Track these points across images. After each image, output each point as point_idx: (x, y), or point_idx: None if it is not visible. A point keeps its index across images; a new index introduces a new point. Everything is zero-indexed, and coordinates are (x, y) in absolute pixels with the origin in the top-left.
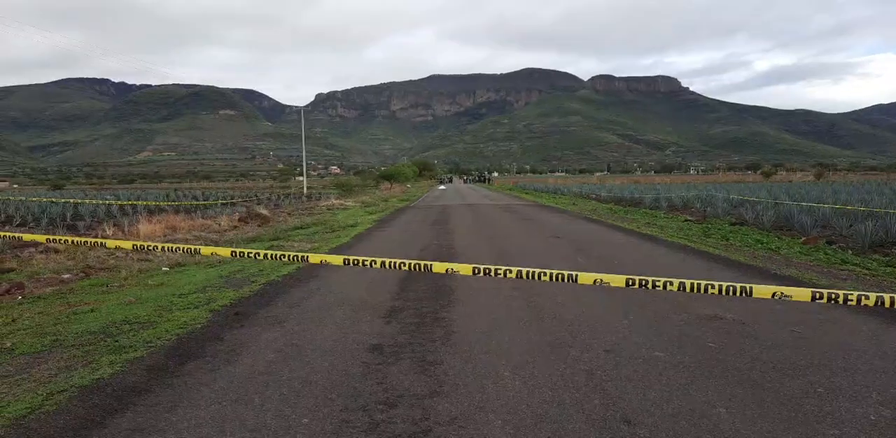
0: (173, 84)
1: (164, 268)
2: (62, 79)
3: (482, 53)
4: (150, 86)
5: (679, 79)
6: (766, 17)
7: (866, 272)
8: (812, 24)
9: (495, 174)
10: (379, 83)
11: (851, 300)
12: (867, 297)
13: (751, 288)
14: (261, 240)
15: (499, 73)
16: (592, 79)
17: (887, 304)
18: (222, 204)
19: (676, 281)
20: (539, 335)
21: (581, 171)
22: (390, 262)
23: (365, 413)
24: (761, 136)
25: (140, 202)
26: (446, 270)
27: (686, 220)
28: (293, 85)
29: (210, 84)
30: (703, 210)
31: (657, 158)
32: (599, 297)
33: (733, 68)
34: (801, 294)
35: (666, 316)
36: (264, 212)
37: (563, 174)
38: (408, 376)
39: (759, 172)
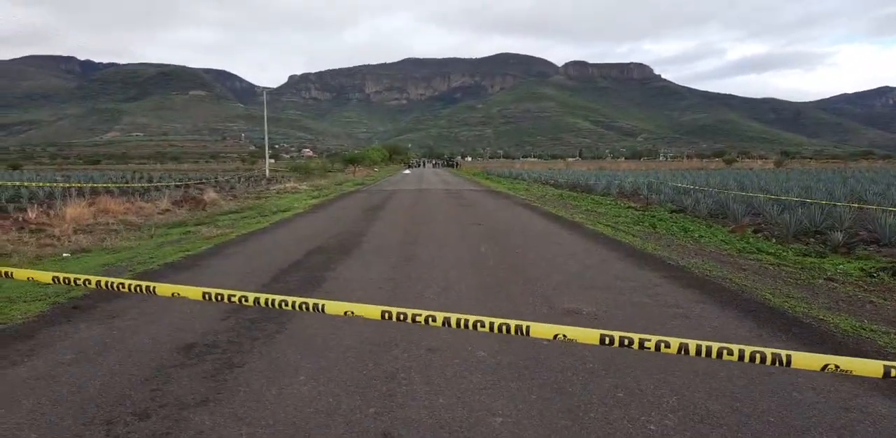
0: (141, 63)
1: (64, 255)
2: (26, 57)
3: (458, 38)
4: (117, 64)
5: (652, 67)
6: (739, 7)
7: (773, 261)
8: (783, 14)
9: (468, 159)
10: (353, 66)
11: None
12: None
13: (788, 356)
14: (185, 225)
15: (474, 57)
16: (566, 65)
17: None
18: (176, 186)
19: (675, 342)
20: (372, 332)
21: (553, 157)
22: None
23: (107, 426)
24: (729, 124)
25: (86, 184)
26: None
27: (629, 207)
28: (267, 66)
29: (181, 63)
30: (648, 197)
31: (629, 145)
32: (463, 289)
33: (706, 57)
34: (868, 368)
35: (525, 308)
36: (212, 195)
37: (535, 159)
38: (193, 381)
39: (722, 159)
